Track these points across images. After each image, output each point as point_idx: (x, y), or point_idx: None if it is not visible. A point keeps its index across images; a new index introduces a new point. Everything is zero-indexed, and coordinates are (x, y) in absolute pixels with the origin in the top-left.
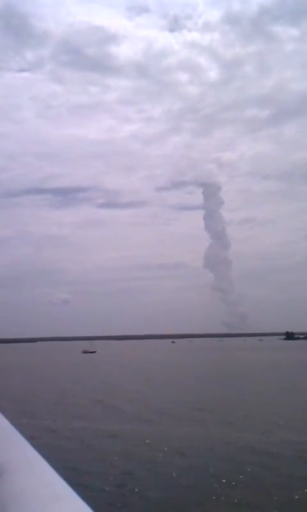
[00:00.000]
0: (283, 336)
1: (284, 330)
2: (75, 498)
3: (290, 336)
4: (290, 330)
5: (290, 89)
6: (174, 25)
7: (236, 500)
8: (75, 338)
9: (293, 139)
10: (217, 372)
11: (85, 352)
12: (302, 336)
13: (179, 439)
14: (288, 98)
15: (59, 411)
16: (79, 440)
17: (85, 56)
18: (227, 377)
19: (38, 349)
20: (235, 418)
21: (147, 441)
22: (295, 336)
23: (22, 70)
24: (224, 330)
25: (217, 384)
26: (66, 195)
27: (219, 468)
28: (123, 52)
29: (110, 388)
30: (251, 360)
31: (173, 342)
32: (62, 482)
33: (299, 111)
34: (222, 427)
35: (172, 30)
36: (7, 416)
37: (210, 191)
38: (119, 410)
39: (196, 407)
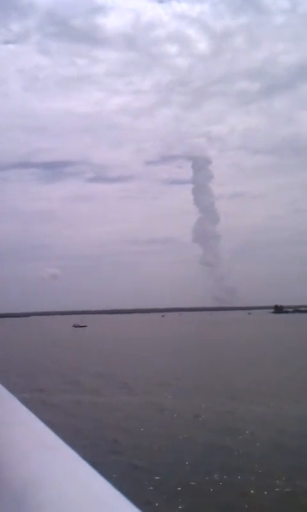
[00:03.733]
0: (272, 310)
1: (273, 304)
2: (66, 448)
3: (278, 309)
4: (279, 304)
5: (281, 62)
6: None
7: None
8: (66, 312)
9: (283, 113)
10: (204, 345)
11: (76, 326)
12: (290, 309)
13: (158, 404)
14: (278, 71)
15: (53, 380)
16: (63, 402)
17: (72, 28)
18: (213, 349)
19: (30, 324)
20: (217, 386)
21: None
22: (284, 309)
23: (8, 42)
24: (214, 304)
25: (202, 356)
26: (54, 169)
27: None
28: (111, 23)
29: (96, 359)
30: (238, 332)
31: (162, 315)
32: (54, 434)
33: (289, 84)
34: (200, 393)
35: (161, 1)
36: None
37: (200, 164)
38: (103, 378)
39: (177, 376)
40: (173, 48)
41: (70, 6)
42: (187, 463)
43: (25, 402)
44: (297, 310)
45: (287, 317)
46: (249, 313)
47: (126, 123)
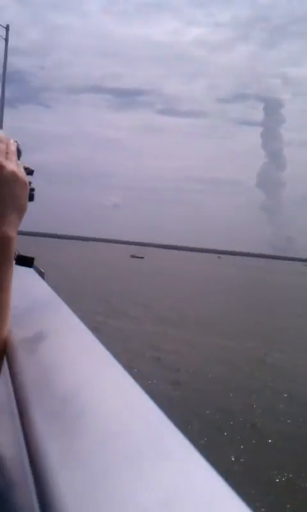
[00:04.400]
0: None
1: None
2: (113, 361)
3: None
4: None
5: None
6: None
7: None
8: (123, 242)
9: None
10: (259, 291)
11: (133, 256)
12: None
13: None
14: None
15: (100, 305)
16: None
17: None
18: (268, 297)
19: (89, 248)
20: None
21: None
22: None
23: None
24: (270, 252)
25: (257, 302)
26: (126, 97)
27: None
28: None
29: (150, 291)
30: (295, 284)
31: (219, 257)
32: (102, 347)
33: None
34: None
35: None
36: (52, 287)
37: (272, 107)
38: (148, 309)
39: (227, 317)
40: None
41: None
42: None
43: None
44: None
45: None
46: (305, 266)
47: (201, 56)
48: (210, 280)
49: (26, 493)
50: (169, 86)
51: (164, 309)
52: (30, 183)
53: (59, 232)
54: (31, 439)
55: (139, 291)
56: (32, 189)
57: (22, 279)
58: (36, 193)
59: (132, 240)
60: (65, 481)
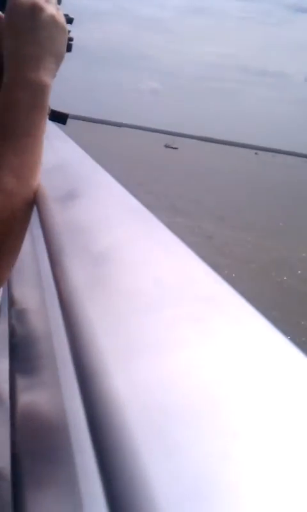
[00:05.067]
0: None
1: None
2: (149, 215)
3: None
4: None
5: None
6: None
7: None
8: (157, 130)
9: None
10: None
11: (167, 146)
12: None
13: None
14: None
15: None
16: None
17: None
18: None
19: (122, 135)
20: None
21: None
22: None
23: None
24: None
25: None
26: None
27: None
28: None
29: (182, 183)
30: None
31: (256, 153)
32: (137, 202)
33: None
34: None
35: None
36: (83, 146)
37: None
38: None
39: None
40: None
41: None
42: None
43: None
44: None
45: None
46: None
47: None
48: (242, 180)
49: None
50: None
51: (186, 201)
52: (69, 31)
53: (90, 115)
54: (64, 292)
55: (167, 182)
56: (70, 39)
57: (53, 136)
58: (71, 73)
59: (167, 129)
60: (104, 344)
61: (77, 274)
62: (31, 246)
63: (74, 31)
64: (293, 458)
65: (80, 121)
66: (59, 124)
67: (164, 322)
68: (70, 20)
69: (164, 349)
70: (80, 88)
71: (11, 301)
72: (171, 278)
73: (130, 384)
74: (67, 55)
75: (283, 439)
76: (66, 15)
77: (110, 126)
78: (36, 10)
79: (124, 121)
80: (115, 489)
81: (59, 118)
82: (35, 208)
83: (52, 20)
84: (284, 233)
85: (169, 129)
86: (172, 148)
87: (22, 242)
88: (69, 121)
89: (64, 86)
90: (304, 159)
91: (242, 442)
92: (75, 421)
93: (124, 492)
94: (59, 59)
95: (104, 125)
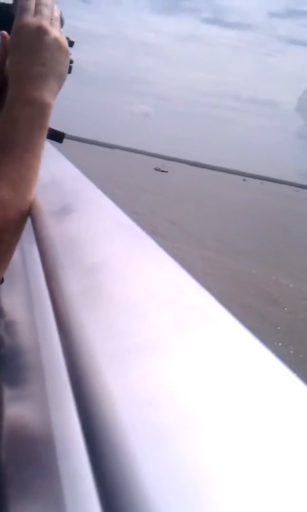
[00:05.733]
0: None
1: None
2: (140, 232)
3: None
4: None
5: None
6: None
7: None
8: (148, 153)
9: None
10: (286, 222)
11: (157, 169)
12: None
13: None
14: None
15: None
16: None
17: None
18: (295, 229)
19: (114, 157)
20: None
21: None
22: None
23: None
24: (299, 181)
25: (279, 232)
26: (171, 0)
27: None
28: None
29: (169, 205)
30: None
31: (244, 179)
32: (127, 218)
33: None
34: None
35: None
36: (76, 165)
37: None
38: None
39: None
40: None
41: None
42: None
43: None
44: None
45: None
46: None
47: None
48: (231, 203)
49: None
50: None
51: (177, 223)
52: (70, 54)
53: (84, 136)
54: (58, 302)
55: (153, 203)
56: (71, 61)
57: (48, 154)
58: (66, 94)
59: (156, 152)
60: (97, 350)
61: (71, 284)
62: (21, 258)
63: (73, 53)
64: (275, 459)
65: (73, 142)
66: (54, 143)
67: (152, 328)
68: (70, 43)
69: (152, 352)
70: (74, 108)
71: (0, 312)
72: (159, 289)
73: (121, 384)
74: (67, 76)
75: (260, 437)
76: (67, 38)
77: (101, 147)
78: (42, 32)
79: (116, 143)
80: (110, 495)
81: (56, 136)
82: (29, 221)
83: (56, 42)
84: (263, 258)
85: (160, 152)
86: (161, 171)
87: (12, 253)
88: (64, 141)
89: (60, 105)
90: (292, 187)
91: (220, 440)
92: (60, 432)
93: (119, 496)
94: (61, 80)
95: (96, 146)
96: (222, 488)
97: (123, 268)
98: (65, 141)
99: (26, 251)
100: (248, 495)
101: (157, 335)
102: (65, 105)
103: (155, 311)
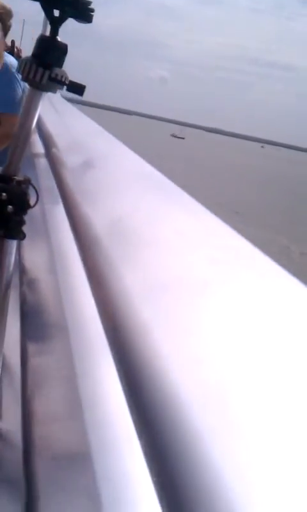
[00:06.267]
0: None
1: None
2: (163, 178)
3: None
4: None
5: None
6: None
7: None
8: (165, 119)
9: None
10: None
11: (173, 136)
12: None
13: None
14: None
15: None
16: None
17: None
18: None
19: (128, 122)
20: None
21: None
22: None
23: None
24: None
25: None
26: None
27: None
28: None
29: (186, 173)
30: None
31: (262, 146)
32: (152, 168)
33: None
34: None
35: None
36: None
37: None
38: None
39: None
40: None
41: None
42: None
43: None
44: None
45: None
46: None
47: None
48: (249, 172)
49: None
50: None
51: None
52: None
53: (101, 102)
54: (85, 246)
55: (172, 171)
56: (92, 10)
57: (71, 114)
58: (81, 57)
59: (174, 118)
60: (129, 290)
61: (98, 229)
62: (42, 214)
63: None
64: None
65: (90, 108)
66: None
67: (184, 265)
68: (88, 4)
69: (186, 289)
70: (89, 74)
71: (22, 269)
72: (189, 229)
73: (158, 323)
74: (83, 33)
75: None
76: None
77: (120, 114)
78: None
79: (133, 109)
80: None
81: (77, 89)
82: (51, 177)
83: None
84: (284, 226)
85: (176, 119)
86: (178, 137)
87: None
88: (79, 107)
89: (75, 68)
90: None
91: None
92: (86, 389)
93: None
94: None
95: (114, 112)
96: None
97: (151, 212)
98: (82, 107)
99: (47, 207)
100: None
101: (189, 271)
102: (81, 69)
103: (186, 249)
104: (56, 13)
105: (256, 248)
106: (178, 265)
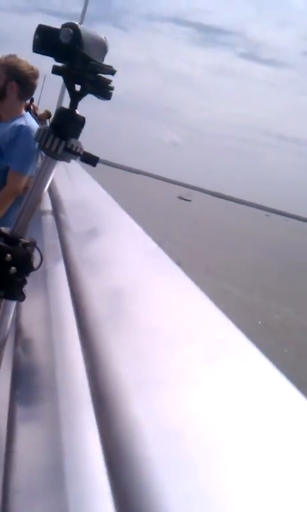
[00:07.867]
0: None
1: None
2: (166, 258)
3: None
4: None
5: None
6: None
7: None
8: (172, 181)
9: None
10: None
11: (180, 198)
12: None
13: None
14: None
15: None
16: None
17: None
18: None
19: (137, 182)
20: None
21: None
22: None
23: None
24: None
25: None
26: (207, 33)
27: None
28: None
29: (192, 235)
30: None
31: (266, 215)
32: (155, 245)
33: None
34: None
35: None
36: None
37: None
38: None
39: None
40: None
41: None
42: None
43: None
44: None
45: None
46: None
47: (300, 3)
48: (257, 239)
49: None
50: (256, 29)
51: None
52: (110, 81)
53: (110, 159)
54: (83, 324)
55: (176, 232)
56: (111, 88)
57: (78, 177)
58: (98, 118)
59: (180, 181)
60: (123, 377)
61: (97, 307)
62: (44, 277)
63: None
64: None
65: (100, 165)
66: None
67: (180, 359)
68: (112, 72)
69: (177, 382)
70: (102, 133)
71: (19, 329)
72: (187, 320)
73: (145, 411)
74: (104, 102)
75: (285, 469)
76: (109, 67)
77: (127, 172)
78: None
79: (140, 168)
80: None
81: (90, 160)
82: (57, 239)
83: None
84: (283, 297)
85: (184, 181)
86: (185, 200)
87: None
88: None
89: (93, 128)
90: None
91: (244, 472)
92: (74, 459)
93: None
94: None
95: (121, 170)
96: None
97: (149, 295)
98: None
99: (49, 270)
100: None
101: (184, 366)
102: (95, 126)
103: (183, 342)
104: (77, 87)
105: (247, 340)
106: (172, 358)
